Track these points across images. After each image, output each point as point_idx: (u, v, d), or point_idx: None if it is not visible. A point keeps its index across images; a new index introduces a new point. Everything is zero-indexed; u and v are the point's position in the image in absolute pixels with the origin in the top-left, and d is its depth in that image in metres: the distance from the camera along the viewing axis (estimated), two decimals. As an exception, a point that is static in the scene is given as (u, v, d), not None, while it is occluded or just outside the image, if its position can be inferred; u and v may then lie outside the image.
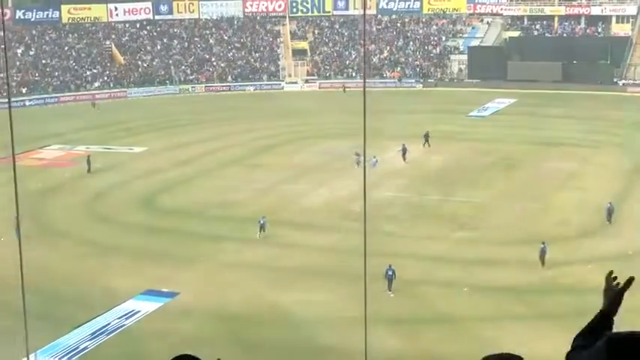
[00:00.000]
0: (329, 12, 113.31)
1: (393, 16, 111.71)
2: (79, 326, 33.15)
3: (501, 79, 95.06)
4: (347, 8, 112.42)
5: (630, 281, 3.55)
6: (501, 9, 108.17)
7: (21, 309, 17.10)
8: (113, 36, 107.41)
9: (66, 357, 30.93)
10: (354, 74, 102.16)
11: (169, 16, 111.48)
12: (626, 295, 3.65)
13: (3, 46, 51.30)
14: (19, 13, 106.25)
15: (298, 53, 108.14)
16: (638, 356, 2.99)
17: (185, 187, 54.44)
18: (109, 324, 33.48)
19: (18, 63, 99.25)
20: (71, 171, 60.03)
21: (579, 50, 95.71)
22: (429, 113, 78.31)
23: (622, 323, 3.37)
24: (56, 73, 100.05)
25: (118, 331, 32.94)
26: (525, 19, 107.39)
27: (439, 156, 61.18)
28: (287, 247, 42.25)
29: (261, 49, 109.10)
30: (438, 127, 67.44)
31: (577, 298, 33.10)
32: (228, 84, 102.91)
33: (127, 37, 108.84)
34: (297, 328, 32.79)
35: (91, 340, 32.12)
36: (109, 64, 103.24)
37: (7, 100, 31.42)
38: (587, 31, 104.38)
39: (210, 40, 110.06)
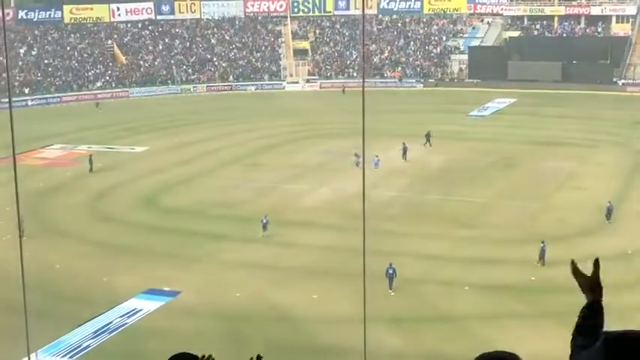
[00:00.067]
0: (330, 12, 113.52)
1: (394, 16, 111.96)
2: (81, 325, 33.26)
3: (501, 78, 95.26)
4: (348, 8, 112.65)
5: (597, 262, 3.38)
6: (501, 9, 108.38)
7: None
8: (115, 36, 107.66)
9: (68, 355, 31.04)
10: (354, 74, 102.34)
11: (171, 16, 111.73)
12: (628, 291, 3.55)
13: (5, 47, 51.45)
14: (21, 14, 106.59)
15: (299, 53, 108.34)
16: (635, 355, 2.97)
17: (186, 187, 54.60)
18: (110, 322, 33.58)
19: (20, 63, 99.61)
20: (73, 170, 60.21)
21: (579, 50, 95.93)
22: (430, 113, 78.51)
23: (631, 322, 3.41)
24: (58, 73, 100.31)
25: (120, 329, 33.02)
26: (525, 19, 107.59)
27: (439, 155, 61.35)
28: (288, 246, 42.38)
29: (263, 49, 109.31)
30: (438, 127, 67.55)
31: (577, 297, 33.03)
32: (229, 84, 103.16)
33: (128, 37, 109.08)
34: (298, 327, 32.89)
35: (93, 338, 32.22)
36: (111, 64, 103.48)
37: (8, 100, 31.57)
38: (587, 30, 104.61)
39: (212, 40, 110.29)
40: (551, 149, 62.73)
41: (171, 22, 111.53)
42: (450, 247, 41.50)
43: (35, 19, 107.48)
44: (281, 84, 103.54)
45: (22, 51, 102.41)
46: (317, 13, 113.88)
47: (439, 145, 63.52)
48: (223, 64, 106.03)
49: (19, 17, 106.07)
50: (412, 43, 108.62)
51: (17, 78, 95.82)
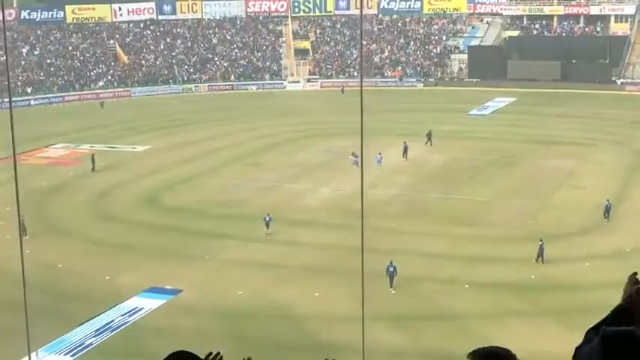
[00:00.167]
0: (330, 12, 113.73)
1: (394, 16, 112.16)
2: (83, 323, 33.40)
3: (501, 78, 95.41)
4: (348, 8, 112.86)
5: None
6: (501, 9, 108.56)
7: (27, 306, 17.42)
8: (117, 36, 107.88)
9: (70, 353, 31.19)
10: (355, 73, 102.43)
11: (172, 16, 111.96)
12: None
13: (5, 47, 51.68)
14: (24, 14, 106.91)
15: (300, 53, 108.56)
16: (631, 351, 3.01)
17: (188, 186, 54.80)
18: (112, 321, 33.70)
19: (23, 63, 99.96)
20: (76, 169, 60.46)
21: (578, 49, 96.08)
22: (430, 112, 78.70)
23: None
24: (61, 73, 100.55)
25: (122, 328, 33.15)
26: (525, 19, 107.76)
27: (439, 154, 61.55)
28: (290, 244, 42.57)
29: (264, 48, 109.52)
30: (438, 126, 67.76)
31: (576, 295, 33.54)
32: (230, 83, 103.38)
33: (130, 37, 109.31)
34: (300, 325, 33.04)
35: (95, 336, 32.35)
36: (112, 64, 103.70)
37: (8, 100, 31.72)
38: (586, 30, 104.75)
39: (213, 40, 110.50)
40: (550, 148, 62.93)
41: (172, 22, 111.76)
42: (451, 245, 41.67)
43: (38, 19, 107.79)
44: (282, 83, 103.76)
45: (24, 51, 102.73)
46: (318, 13, 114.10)
47: (439, 144, 63.73)
48: (225, 64, 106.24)
49: (22, 17, 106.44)
50: (412, 42, 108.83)
51: (20, 78, 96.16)
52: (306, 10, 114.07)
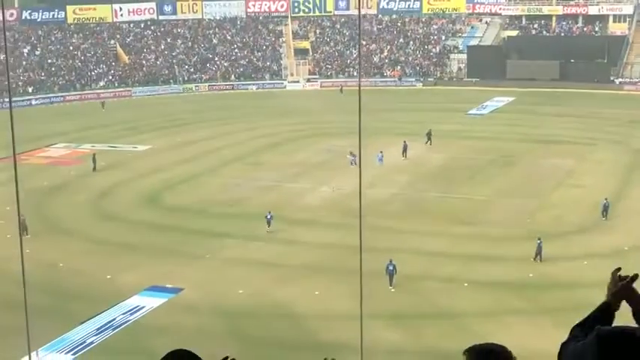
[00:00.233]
0: (330, 12, 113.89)
1: (394, 16, 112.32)
2: (84, 322, 33.52)
3: (500, 77, 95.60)
4: (348, 8, 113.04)
5: (635, 278, 3.48)
6: (500, 9, 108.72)
7: (29, 305, 17.68)
8: (118, 36, 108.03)
9: (72, 351, 31.31)
10: (354, 73, 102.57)
11: (173, 17, 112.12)
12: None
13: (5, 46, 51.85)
14: (25, 14, 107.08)
15: (300, 53, 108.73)
16: (627, 351, 3.04)
17: (189, 185, 54.96)
18: (114, 319, 33.82)
19: (24, 63, 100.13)
20: (77, 169, 60.61)
21: (577, 49, 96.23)
22: (429, 112, 78.85)
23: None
24: (62, 73, 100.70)
25: (123, 326, 33.28)
26: (523, 19, 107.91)
27: (439, 153, 61.71)
28: (290, 243, 42.70)
29: (264, 48, 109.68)
30: (437, 126, 67.89)
31: (574, 293, 33.68)
32: (231, 83, 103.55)
33: (131, 37, 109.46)
34: (300, 324, 33.19)
35: (96, 335, 32.48)
36: (113, 64, 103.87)
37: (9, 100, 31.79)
38: (585, 30, 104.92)
39: (214, 40, 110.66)
40: (549, 147, 63.10)
41: (173, 22, 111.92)
42: (450, 244, 41.80)
43: (39, 20, 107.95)
44: (282, 83, 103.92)
45: (25, 51, 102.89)
46: (317, 13, 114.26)
47: (438, 143, 63.89)
48: (225, 64, 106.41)
49: (23, 17, 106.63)
50: (411, 42, 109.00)
51: (21, 78, 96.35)
52: (306, 10, 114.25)
